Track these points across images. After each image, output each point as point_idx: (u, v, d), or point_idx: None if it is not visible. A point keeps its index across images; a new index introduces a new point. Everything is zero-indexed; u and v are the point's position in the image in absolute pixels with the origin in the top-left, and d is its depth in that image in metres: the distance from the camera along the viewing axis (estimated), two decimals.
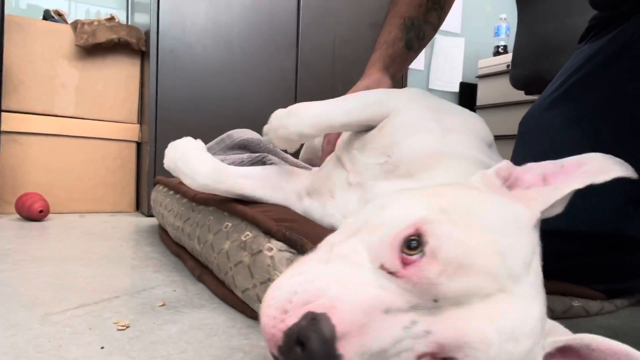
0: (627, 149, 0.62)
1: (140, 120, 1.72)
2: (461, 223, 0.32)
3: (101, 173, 1.66)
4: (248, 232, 0.61)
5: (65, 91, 1.60)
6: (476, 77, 2.75)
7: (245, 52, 1.69)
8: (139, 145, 1.73)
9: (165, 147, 1.54)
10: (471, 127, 0.58)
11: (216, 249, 0.65)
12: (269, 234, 0.58)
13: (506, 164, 0.43)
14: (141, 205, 1.70)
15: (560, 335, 0.36)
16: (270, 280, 0.52)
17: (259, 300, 0.54)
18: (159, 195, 1.10)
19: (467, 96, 2.88)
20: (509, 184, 0.42)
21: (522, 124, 0.77)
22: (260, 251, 0.55)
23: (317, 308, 0.30)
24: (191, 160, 0.66)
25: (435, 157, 0.51)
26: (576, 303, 0.62)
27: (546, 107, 0.72)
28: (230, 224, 0.66)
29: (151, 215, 1.54)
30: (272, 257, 0.54)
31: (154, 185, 1.25)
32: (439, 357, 0.31)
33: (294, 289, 0.32)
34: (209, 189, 0.66)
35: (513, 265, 0.32)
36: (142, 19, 1.75)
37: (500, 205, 0.37)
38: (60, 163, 1.59)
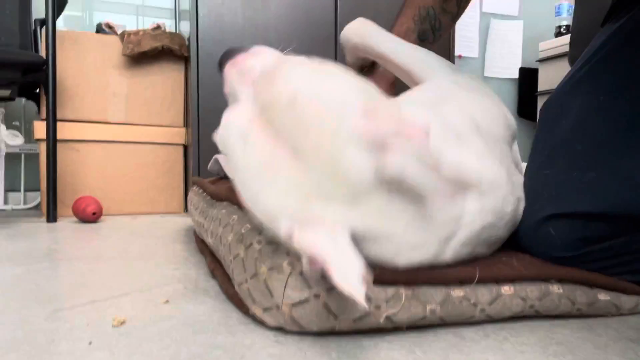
0: None
1: (186, 124, 1.78)
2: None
3: (151, 176, 1.73)
4: (248, 224, 0.60)
5: (117, 99, 1.69)
6: (537, 60, 2.58)
7: (284, 50, 1.68)
8: (186, 148, 1.79)
9: (209, 149, 1.58)
10: (471, 112, 0.55)
11: (223, 241, 0.65)
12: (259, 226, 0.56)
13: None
14: None
15: None
16: (256, 274, 0.50)
17: (250, 296, 0.52)
18: (192, 196, 1.13)
19: (527, 82, 2.70)
20: None
21: (544, 109, 0.71)
22: (252, 244, 0.54)
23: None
24: None
25: None
26: (603, 297, 0.55)
27: (567, 91, 0.67)
28: (236, 217, 0.65)
29: None
30: (260, 251, 0.52)
31: (192, 185, 1.27)
32: None
33: None
34: None
35: None
36: (186, 26, 1.81)
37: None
38: (114, 168, 1.68)
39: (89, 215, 1.44)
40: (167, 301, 0.62)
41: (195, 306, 0.60)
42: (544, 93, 2.53)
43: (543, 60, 2.54)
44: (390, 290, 0.48)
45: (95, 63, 1.66)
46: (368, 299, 0.46)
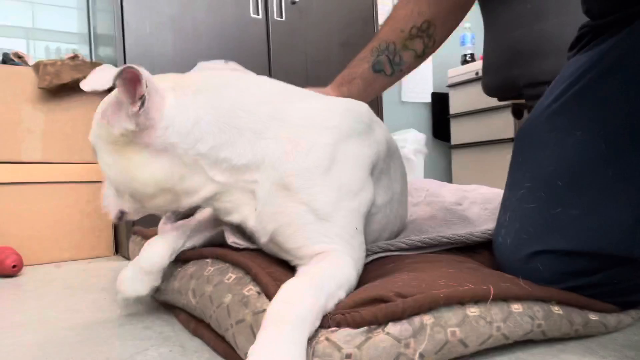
0: (625, 161, 0.59)
1: None
2: None
3: (75, 218, 1.58)
4: (251, 287, 0.57)
5: (32, 136, 1.53)
6: (447, 86, 2.78)
7: None
8: None
9: None
10: None
11: (215, 302, 0.61)
12: (268, 295, 0.54)
13: None
14: (121, 248, 1.63)
15: None
16: None
17: None
18: (137, 248, 1.04)
19: (439, 106, 2.90)
20: None
21: (519, 139, 0.74)
22: (264, 310, 0.51)
23: None
24: None
25: None
26: (593, 317, 0.60)
27: (543, 121, 0.69)
28: (233, 277, 0.62)
29: None
30: None
31: (132, 235, 1.18)
32: None
33: None
34: None
35: None
36: (107, 52, 1.70)
37: None
38: (32, 212, 1.51)
39: (8, 269, 1.27)
40: None
41: None
42: (455, 116, 2.73)
43: (452, 86, 2.75)
44: (416, 322, 0.49)
45: (5, 97, 1.49)
46: (397, 340, 0.46)
